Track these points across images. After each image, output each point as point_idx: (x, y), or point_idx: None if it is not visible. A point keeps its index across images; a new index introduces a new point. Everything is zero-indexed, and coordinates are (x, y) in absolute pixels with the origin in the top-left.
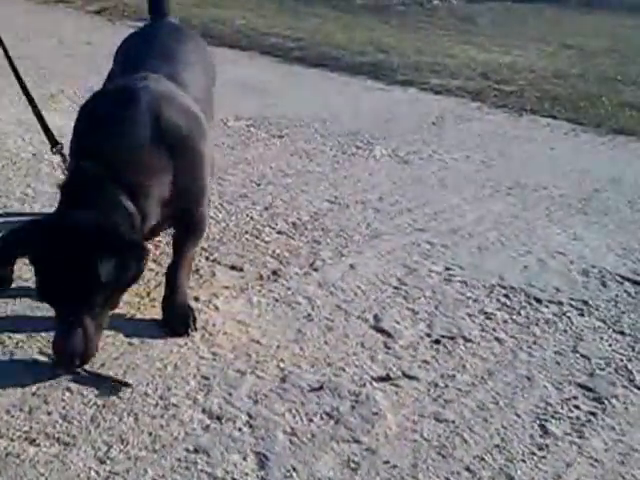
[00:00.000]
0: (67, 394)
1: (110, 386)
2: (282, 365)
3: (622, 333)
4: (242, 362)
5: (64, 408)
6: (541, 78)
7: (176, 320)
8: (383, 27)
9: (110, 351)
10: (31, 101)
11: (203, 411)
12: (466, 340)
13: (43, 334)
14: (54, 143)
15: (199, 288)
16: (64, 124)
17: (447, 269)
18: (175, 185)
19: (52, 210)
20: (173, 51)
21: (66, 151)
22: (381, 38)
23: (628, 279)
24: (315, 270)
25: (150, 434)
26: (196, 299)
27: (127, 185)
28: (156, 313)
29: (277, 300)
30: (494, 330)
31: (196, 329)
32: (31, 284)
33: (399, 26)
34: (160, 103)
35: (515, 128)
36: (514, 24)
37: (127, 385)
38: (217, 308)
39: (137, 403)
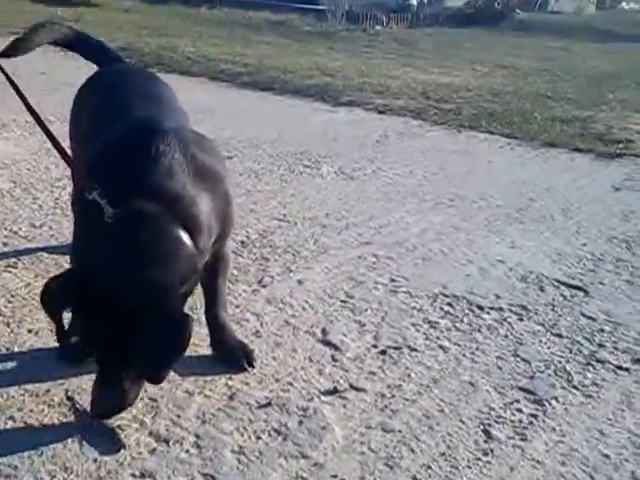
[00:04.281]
0: (10, 422)
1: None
2: (230, 383)
3: (560, 335)
4: (190, 382)
5: (6, 437)
6: (478, 96)
7: (233, 358)
8: (329, 52)
9: (55, 376)
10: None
11: (150, 434)
12: (411, 349)
13: None
14: (90, 187)
15: None
16: (16, 152)
17: (392, 280)
18: (215, 219)
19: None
20: (157, 94)
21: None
22: (327, 62)
23: (564, 283)
24: (263, 287)
25: (95, 460)
26: None
27: (186, 224)
28: None
29: (228, 317)
30: (438, 338)
31: (255, 360)
32: None
33: (344, 51)
34: (193, 140)
35: (454, 144)
36: (452, 47)
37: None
38: None
39: (82, 428)
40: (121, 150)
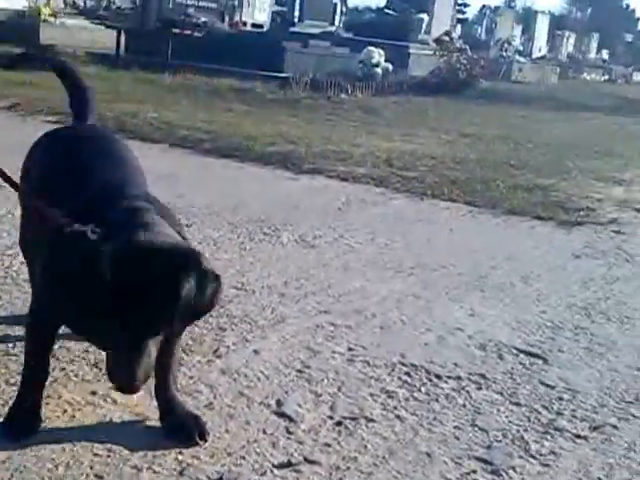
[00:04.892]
0: None
1: None
2: (180, 457)
3: (518, 404)
4: (139, 457)
5: None
6: (441, 164)
7: (184, 431)
8: (292, 120)
9: None
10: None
11: None
12: (368, 420)
13: None
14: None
15: (97, 381)
16: None
17: (350, 350)
18: None
19: None
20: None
21: None
22: (290, 130)
23: (523, 351)
24: (218, 357)
25: None
26: (93, 393)
27: None
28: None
29: (178, 390)
30: (395, 408)
31: (207, 433)
32: None
33: (308, 118)
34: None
35: (417, 211)
36: (416, 115)
37: None
38: (115, 402)
39: None
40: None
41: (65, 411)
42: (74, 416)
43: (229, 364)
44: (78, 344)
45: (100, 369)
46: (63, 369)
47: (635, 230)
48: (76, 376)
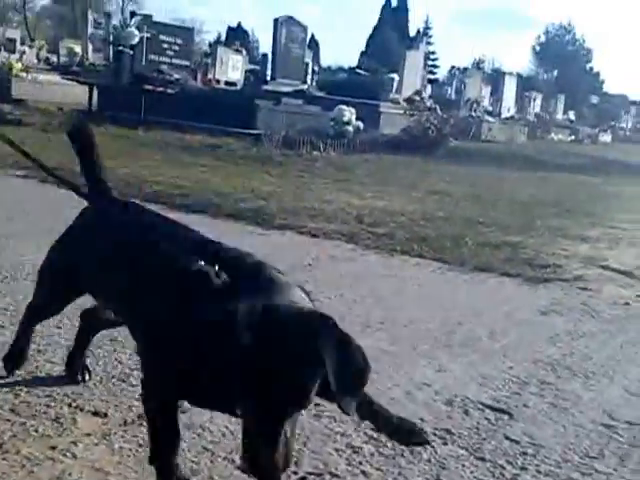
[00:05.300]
0: None
1: None
2: None
3: (483, 459)
4: None
5: None
6: (411, 221)
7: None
8: (264, 176)
9: None
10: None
11: None
12: (332, 475)
13: None
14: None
15: (58, 436)
16: None
17: (316, 405)
18: None
19: None
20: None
21: None
22: (261, 186)
23: (489, 406)
24: (183, 412)
25: None
26: (53, 448)
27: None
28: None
29: (141, 445)
30: (360, 464)
31: None
32: None
33: (279, 175)
34: None
35: (386, 267)
36: (387, 173)
37: None
38: (75, 456)
39: None
40: None
41: (23, 466)
42: (32, 471)
43: (193, 419)
44: (39, 398)
45: (61, 424)
46: (23, 424)
47: (600, 287)
48: (36, 431)
